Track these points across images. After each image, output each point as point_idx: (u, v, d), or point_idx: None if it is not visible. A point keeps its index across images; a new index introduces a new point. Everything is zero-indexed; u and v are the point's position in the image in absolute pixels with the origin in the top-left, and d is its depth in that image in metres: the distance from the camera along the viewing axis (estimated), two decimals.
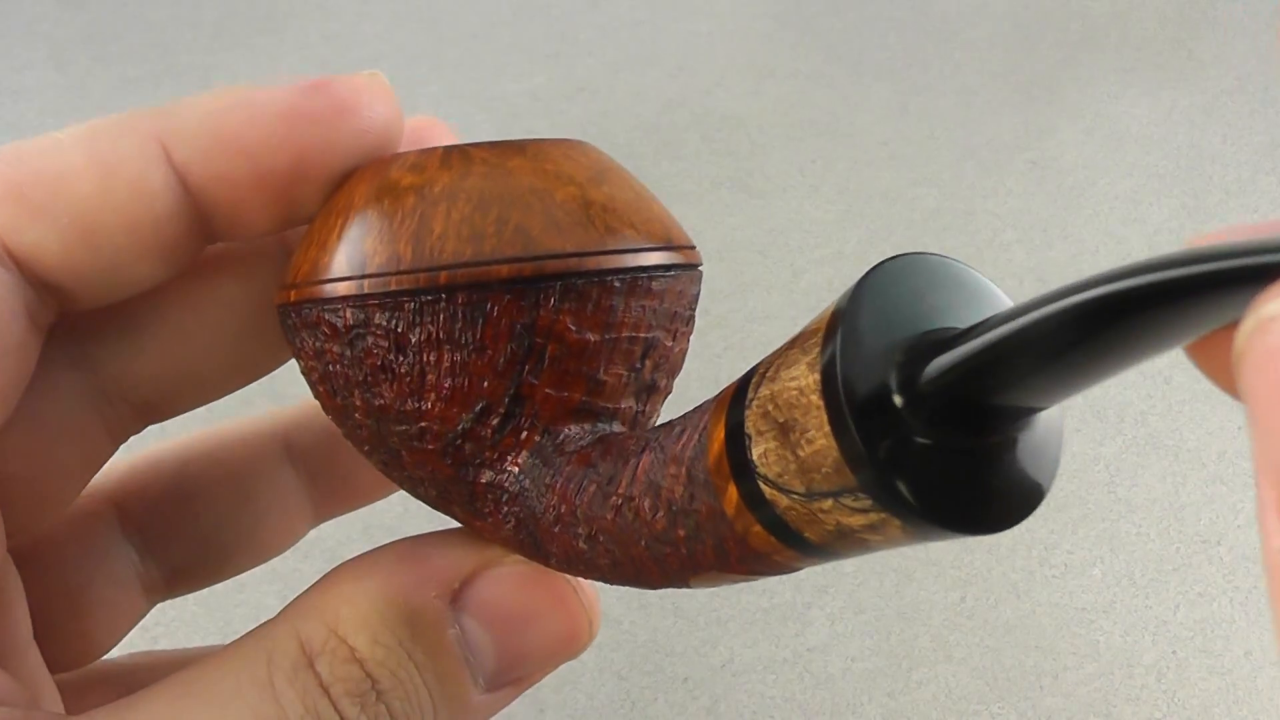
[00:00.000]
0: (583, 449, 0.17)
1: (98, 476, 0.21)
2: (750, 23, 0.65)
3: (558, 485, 0.17)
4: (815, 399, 0.13)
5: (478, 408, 0.17)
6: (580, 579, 0.18)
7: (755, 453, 0.14)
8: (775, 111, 0.59)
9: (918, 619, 0.41)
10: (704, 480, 0.15)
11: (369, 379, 0.17)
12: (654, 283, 0.17)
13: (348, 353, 0.17)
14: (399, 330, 0.17)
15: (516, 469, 0.17)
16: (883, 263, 0.14)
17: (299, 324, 0.18)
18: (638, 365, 0.18)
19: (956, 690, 0.40)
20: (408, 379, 0.17)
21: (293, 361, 0.19)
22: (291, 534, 0.24)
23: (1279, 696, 0.40)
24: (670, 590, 0.18)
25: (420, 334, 0.17)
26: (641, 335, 0.18)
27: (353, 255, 0.17)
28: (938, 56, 0.62)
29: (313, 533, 0.43)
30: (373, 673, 0.17)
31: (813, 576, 0.42)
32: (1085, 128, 0.57)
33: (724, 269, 0.51)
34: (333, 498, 0.24)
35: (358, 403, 0.17)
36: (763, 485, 0.14)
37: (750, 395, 0.14)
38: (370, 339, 0.17)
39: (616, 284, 0.17)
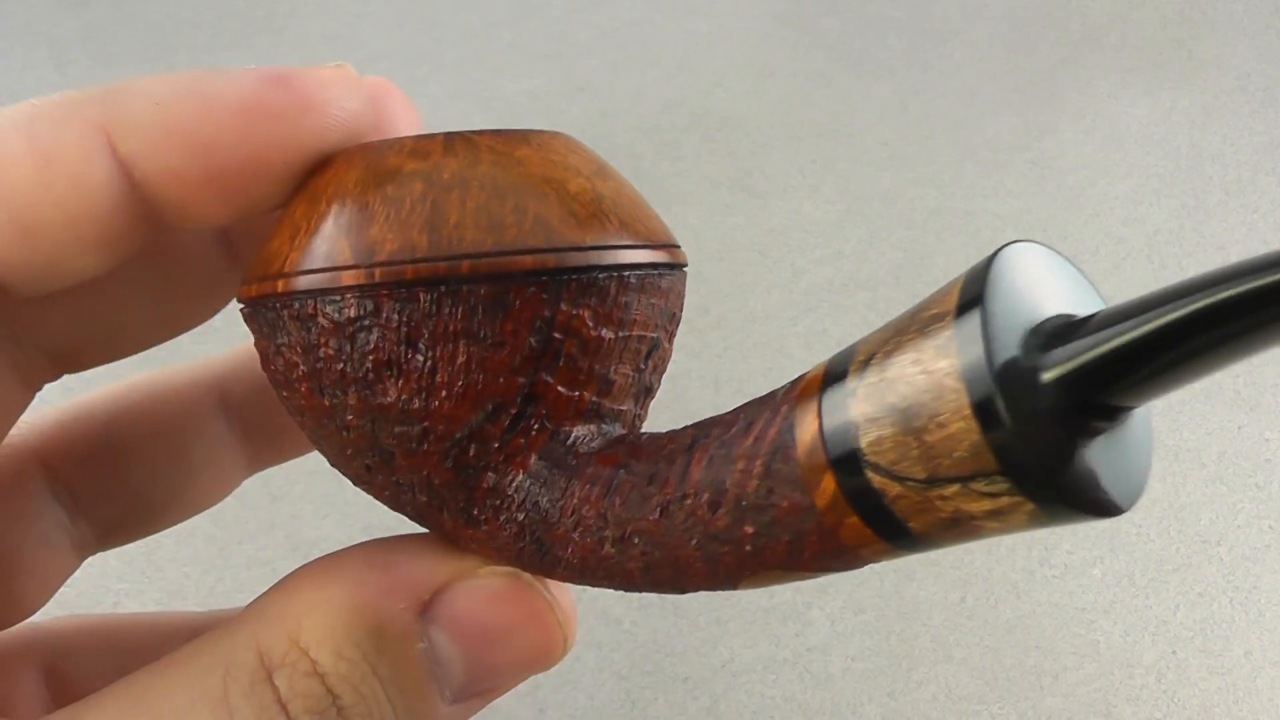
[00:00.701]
0: (604, 451, 0.17)
1: (24, 434, 0.20)
2: (750, 23, 0.65)
3: (577, 488, 0.16)
4: (953, 383, 0.13)
5: (489, 407, 0.16)
6: (559, 593, 0.18)
7: (865, 441, 0.14)
8: (775, 111, 0.59)
9: (918, 619, 0.41)
10: (789, 474, 0.15)
11: (370, 376, 0.16)
12: (662, 280, 0.17)
13: (347, 347, 0.16)
14: (411, 323, 0.16)
15: (522, 472, 0.16)
16: (1004, 247, 0.14)
17: (285, 317, 0.16)
18: (642, 366, 0.17)
19: (956, 690, 0.40)
20: (416, 376, 0.16)
21: (219, 324, 0.18)
22: (226, 486, 0.23)
23: (1279, 696, 0.40)
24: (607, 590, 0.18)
25: (435, 327, 0.16)
26: (649, 335, 0.17)
27: (357, 243, 0.16)
28: (938, 56, 0.62)
29: (313, 532, 0.43)
30: (334, 688, 0.16)
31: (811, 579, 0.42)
32: (1085, 128, 0.57)
33: (724, 269, 0.51)
34: (269, 448, 0.23)
35: (352, 402, 0.16)
36: (871, 474, 0.14)
37: (855, 385, 0.14)
38: (377, 332, 0.16)
39: (632, 280, 0.17)
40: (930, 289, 0.15)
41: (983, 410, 0.13)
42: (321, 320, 0.16)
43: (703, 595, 0.41)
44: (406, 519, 0.18)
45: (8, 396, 0.18)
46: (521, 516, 0.17)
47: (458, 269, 0.16)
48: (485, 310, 0.16)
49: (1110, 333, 0.13)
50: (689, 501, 0.15)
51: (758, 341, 0.49)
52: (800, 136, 0.57)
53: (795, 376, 0.16)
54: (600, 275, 0.16)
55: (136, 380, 0.21)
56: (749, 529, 0.15)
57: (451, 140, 0.16)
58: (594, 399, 0.17)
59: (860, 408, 0.14)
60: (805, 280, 0.50)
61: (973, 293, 0.13)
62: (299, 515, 0.43)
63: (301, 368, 0.16)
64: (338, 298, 0.16)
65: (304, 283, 0.16)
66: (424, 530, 0.18)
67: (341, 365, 0.16)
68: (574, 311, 0.16)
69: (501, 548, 0.17)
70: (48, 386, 0.19)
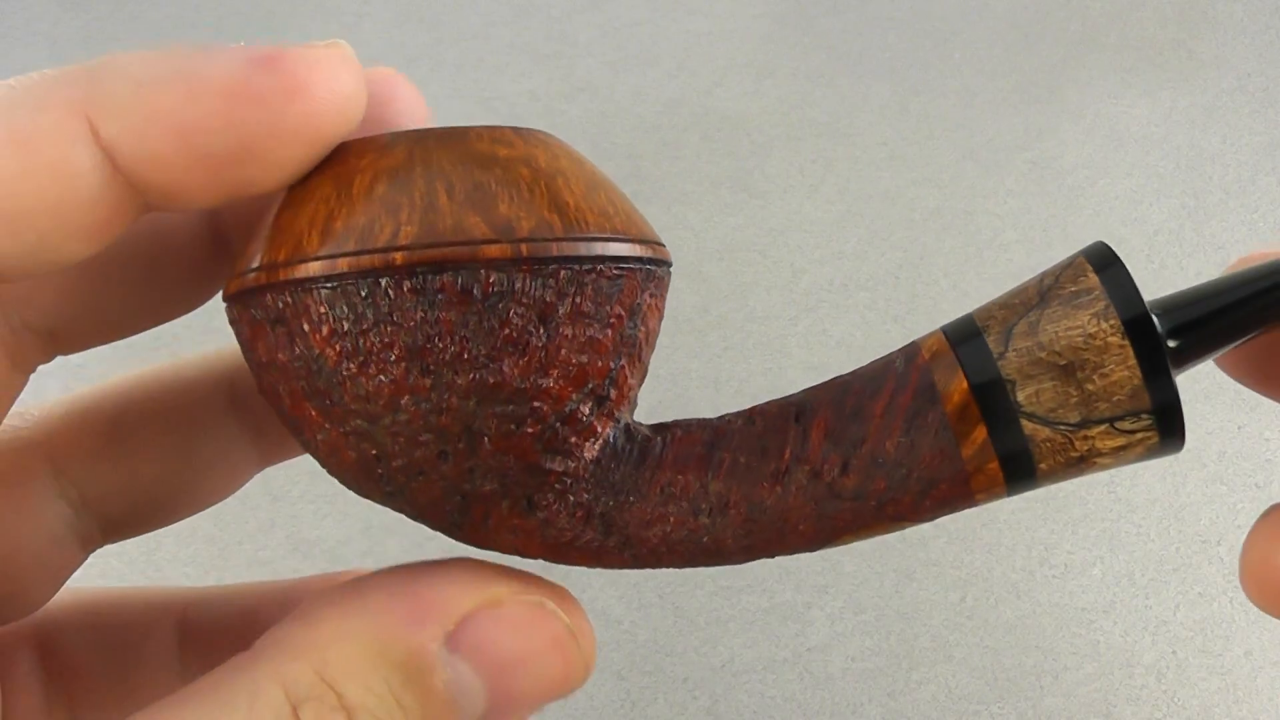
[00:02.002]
0: (681, 433, 0.18)
1: (30, 428, 0.19)
2: (750, 22, 0.65)
3: (667, 465, 0.17)
4: (1116, 340, 0.17)
5: (588, 387, 0.16)
6: (579, 620, 0.18)
7: (1022, 394, 0.17)
8: (775, 111, 0.59)
9: (918, 619, 0.41)
10: (938, 427, 0.17)
11: (494, 353, 0.16)
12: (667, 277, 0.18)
13: (474, 322, 0.16)
14: (547, 300, 0.16)
15: (592, 455, 0.17)
16: (1099, 244, 0.18)
17: (390, 292, 0.16)
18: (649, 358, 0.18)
19: (956, 690, 0.40)
20: (541, 353, 0.16)
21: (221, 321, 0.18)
22: (236, 482, 0.22)
23: (1279, 696, 0.40)
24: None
25: (567, 305, 0.16)
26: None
27: (492, 219, 0.16)
28: (938, 56, 0.62)
29: (313, 532, 0.43)
30: None
31: (813, 576, 0.42)
32: (1085, 128, 0.57)
33: (724, 269, 0.51)
34: (279, 444, 0.22)
35: (461, 381, 0.16)
36: (1025, 422, 0.17)
37: (1000, 349, 0.17)
38: (514, 308, 0.16)
39: (668, 276, 0.18)
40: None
41: (1146, 359, 0.17)
42: (449, 294, 0.16)
43: (702, 595, 0.41)
44: (407, 519, 0.18)
45: (1, 378, 0.18)
46: (588, 497, 0.17)
47: (592, 250, 0.16)
48: (605, 292, 0.16)
49: (1213, 301, 0.18)
50: (812, 465, 0.17)
51: (758, 341, 0.49)
52: (800, 136, 0.57)
53: (904, 345, 0.18)
54: (659, 269, 0.17)
55: (144, 373, 0.21)
56: (881, 484, 0.17)
57: (518, 133, 0.17)
58: (638, 387, 0.18)
59: (1015, 366, 0.17)
60: (805, 280, 0.50)
61: (1115, 274, 0.17)
62: (299, 515, 0.43)
63: (401, 346, 0.16)
64: (478, 270, 0.16)
65: (438, 254, 0.16)
66: (431, 532, 0.18)
67: (463, 342, 0.16)
68: (650, 301, 0.17)
69: (555, 535, 0.17)
70: (54, 378, 0.19)
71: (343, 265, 0.16)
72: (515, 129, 0.17)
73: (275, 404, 0.17)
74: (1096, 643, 0.41)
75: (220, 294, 0.18)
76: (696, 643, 0.40)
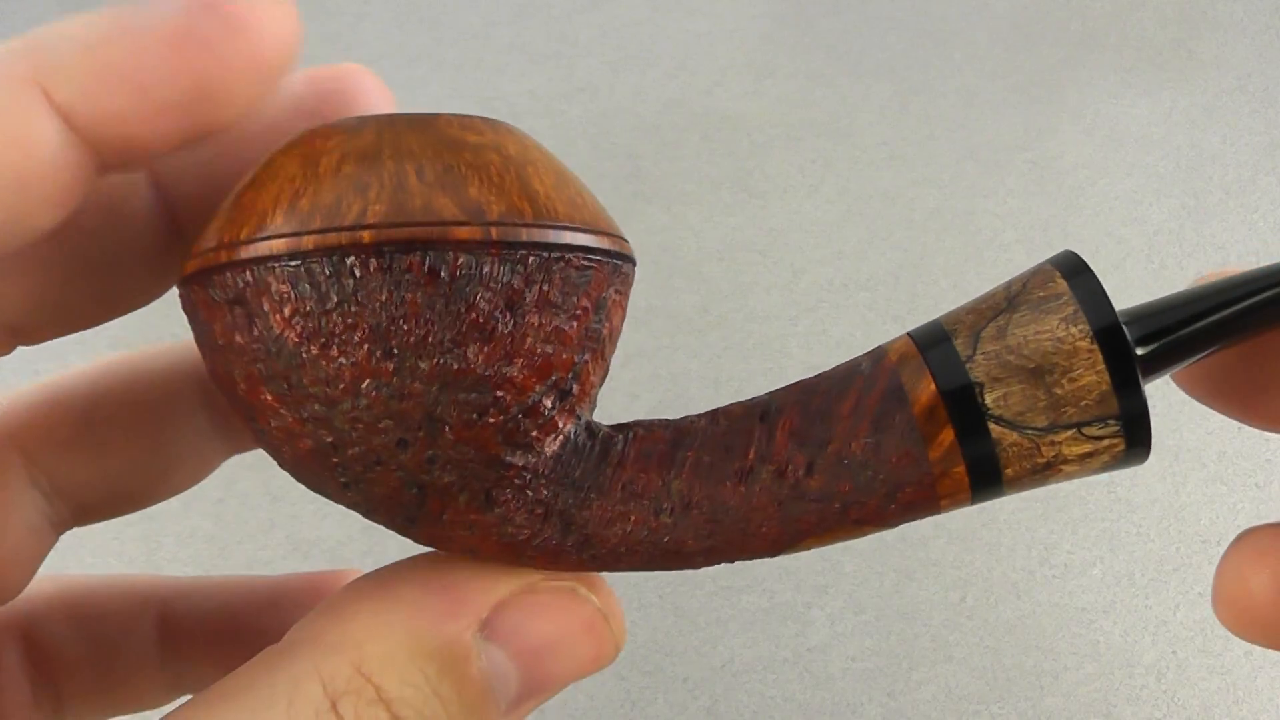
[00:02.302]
0: (643, 431, 0.17)
1: (0, 422, 0.19)
2: (750, 23, 0.65)
3: (629, 463, 0.17)
4: (1085, 344, 0.17)
5: (551, 379, 0.16)
6: (608, 600, 0.18)
7: (990, 397, 0.17)
8: (775, 111, 0.59)
9: (918, 619, 0.41)
10: (903, 429, 0.17)
11: (459, 339, 0.16)
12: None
13: (440, 305, 0.15)
14: (514, 286, 0.16)
15: (556, 450, 0.17)
16: (1066, 252, 0.18)
17: (355, 270, 0.15)
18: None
19: (956, 690, 0.40)
20: (507, 341, 0.16)
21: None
22: (205, 469, 0.22)
23: (1279, 696, 0.40)
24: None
25: (534, 293, 0.16)
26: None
27: (462, 201, 0.16)
28: (938, 56, 0.62)
29: (313, 532, 0.43)
30: (399, 714, 0.16)
31: (813, 576, 0.42)
32: (1085, 128, 0.57)
33: (724, 269, 0.51)
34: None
35: (424, 366, 0.16)
36: (993, 425, 0.17)
37: (969, 352, 0.17)
38: (482, 292, 0.16)
39: (632, 274, 0.18)
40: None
41: (1115, 365, 0.17)
42: (416, 274, 0.15)
43: (702, 595, 0.41)
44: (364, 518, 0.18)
45: None
46: (547, 494, 0.17)
47: (561, 239, 0.16)
48: (573, 283, 0.16)
49: (1181, 311, 0.18)
50: (777, 465, 0.17)
51: (758, 341, 0.49)
52: (800, 136, 0.57)
53: (869, 350, 0.18)
54: (627, 266, 0.17)
55: (114, 361, 0.21)
56: (846, 486, 0.17)
57: (486, 123, 0.17)
58: (599, 384, 0.17)
59: (983, 369, 0.17)
60: (805, 280, 0.50)
61: (1085, 281, 0.17)
62: (299, 515, 0.43)
63: (365, 328, 0.16)
64: (446, 252, 0.15)
65: (404, 233, 0.15)
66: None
67: (429, 325, 0.16)
68: (616, 296, 0.17)
69: (512, 533, 0.17)
70: (20, 367, 0.19)
71: (308, 243, 0.15)
72: (484, 119, 0.17)
73: (229, 389, 0.17)
74: (1096, 643, 0.41)
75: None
76: (696, 643, 0.40)
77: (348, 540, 0.43)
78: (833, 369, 0.18)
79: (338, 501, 0.17)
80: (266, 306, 0.16)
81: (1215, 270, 0.19)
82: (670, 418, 0.18)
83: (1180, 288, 0.18)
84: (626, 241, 0.17)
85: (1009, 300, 0.17)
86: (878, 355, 0.18)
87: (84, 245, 0.18)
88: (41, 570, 0.21)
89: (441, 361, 0.16)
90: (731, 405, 0.18)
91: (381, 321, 0.15)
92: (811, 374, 0.18)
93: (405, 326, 0.15)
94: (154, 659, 0.23)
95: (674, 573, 0.37)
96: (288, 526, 0.43)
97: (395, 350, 0.16)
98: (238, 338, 0.16)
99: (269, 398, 0.16)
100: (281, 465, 0.17)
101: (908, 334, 0.18)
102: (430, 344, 0.16)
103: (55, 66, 0.16)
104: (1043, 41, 0.63)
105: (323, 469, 0.17)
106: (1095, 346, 0.17)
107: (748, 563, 0.30)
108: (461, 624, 0.16)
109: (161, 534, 0.43)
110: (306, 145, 0.16)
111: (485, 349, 0.16)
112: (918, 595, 0.41)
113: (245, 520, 0.43)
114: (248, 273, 0.16)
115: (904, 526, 0.23)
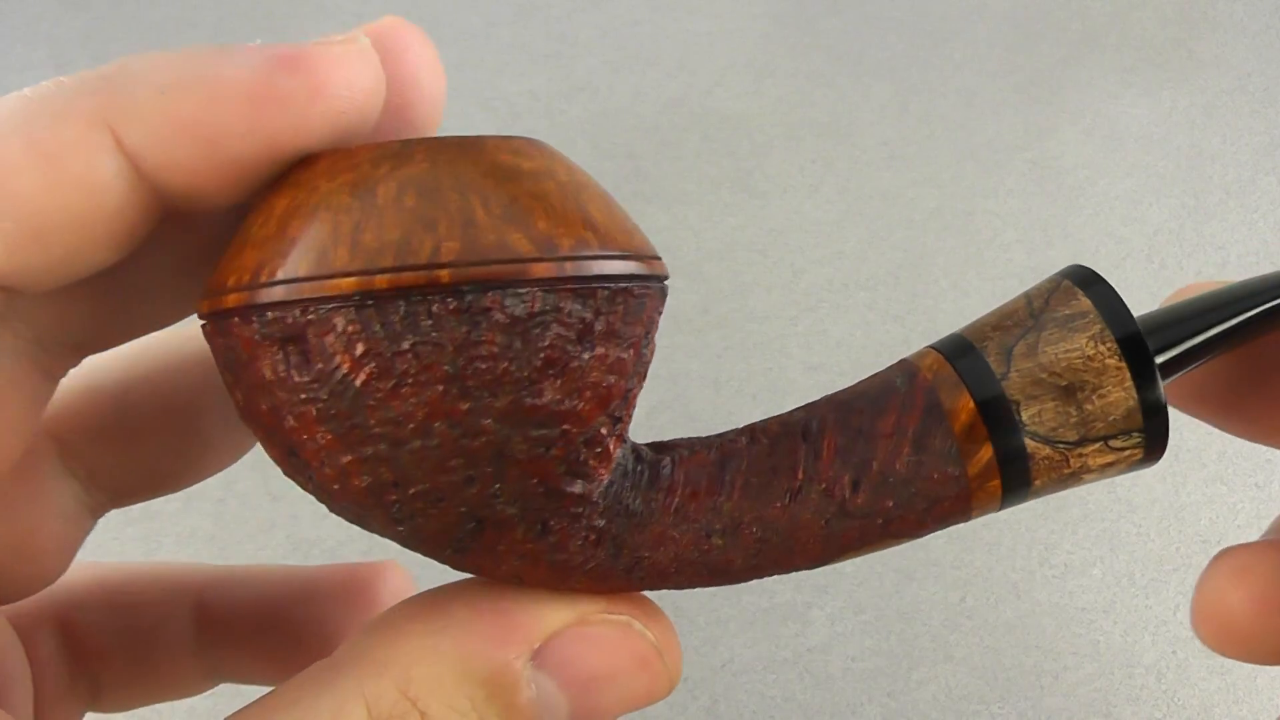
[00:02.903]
0: (687, 453, 0.17)
1: None
2: (750, 23, 0.65)
3: (679, 487, 0.17)
4: (1114, 362, 0.18)
5: (610, 408, 0.16)
6: (665, 636, 0.18)
7: (1026, 414, 0.18)
8: (775, 111, 0.59)
9: (918, 619, 0.41)
10: (943, 448, 0.17)
11: (534, 375, 0.15)
12: None
13: (517, 345, 0.15)
14: (586, 319, 0.15)
15: (608, 477, 0.17)
16: (1078, 267, 0.19)
17: (449, 310, 0.15)
18: None
19: (956, 690, 0.40)
20: (577, 375, 0.16)
21: None
22: (240, 451, 0.22)
23: (1279, 696, 0.40)
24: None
25: (603, 325, 0.16)
26: None
27: (533, 235, 0.15)
28: (938, 56, 0.62)
29: (313, 532, 0.43)
30: None
31: (813, 576, 0.42)
32: (1085, 128, 0.57)
33: (724, 269, 0.51)
34: None
35: (500, 404, 0.15)
36: (1028, 440, 0.18)
37: (1003, 370, 0.18)
38: (556, 329, 0.15)
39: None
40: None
41: (1142, 381, 0.18)
42: (497, 315, 0.15)
43: (703, 594, 0.41)
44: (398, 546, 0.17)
45: (34, 392, 0.18)
46: (602, 523, 0.17)
47: (626, 269, 0.16)
48: (633, 311, 0.16)
49: (1197, 324, 0.19)
50: (823, 484, 0.17)
51: (758, 341, 0.49)
52: (800, 136, 0.57)
53: (897, 362, 0.19)
54: (665, 285, 0.17)
55: (147, 346, 0.20)
56: (889, 503, 0.18)
57: (531, 142, 0.17)
58: (633, 410, 0.17)
59: (1018, 385, 0.18)
60: (805, 280, 0.50)
61: (1106, 297, 0.18)
62: (299, 515, 0.43)
63: (440, 368, 0.15)
64: (524, 291, 0.15)
65: (474, 274, 0.15)
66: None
67: (505, 363, 0.15)
68: (658, 319, 0.17)
69: (563, 559, 0.17)
70: None
71: (380, 282, 0.15)
72: (526, 140, 0.17)
73: (268, 427, 0.16)
74: (1096, 643, 0.41)
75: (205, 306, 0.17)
76: (696, 643, 0.40)
77: (348, 540, 0.43)
78: (864, 382, 0.18)
79: (379, 533, 0.17)
80: (331, 346, 0.15)
81: (1195, 284, 0.21)
82: (700, 435, 0.18)
83: (1181, 287, 0.19)
84: (661, 260, 0.17)
85: (1033, 316, 0.18)
86: (910, 371, 0.18)
87: (154, 257, 0.18)
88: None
89: (516, 399, 0.15)
90: (767, 422, 0.18)
91: (458, 362, 0.15)
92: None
93: (482, 366, 0.15)
94: (190, 647, 0.23)
95: None
96: (288, 526, 0.43)
97: (471, 390, 0.15)
98: (294, 376, 0.15)
99: (326, 437, 0.15)
100: (325, 500, 0.17)
101: (934, 348, 0.18)
102: (505, 382, 0.15)
103: (127, 108, 0.15)
104: (1043, 41, 0.63)
105: (375, 506, 0.16)
106: (1123, 364, 0.17)
107: None
108: (512, 651, 0.16)
109: (161, 534, 0.43)
110: (350, 170, 0.16)
111: (558, 384, 0.15)
112: (918, 595, 0.41)
113: (245, 520, 0.43)
114: (310, 311, 0.15)
115: None
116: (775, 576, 0.19)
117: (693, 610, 0.41)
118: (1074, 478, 0.18)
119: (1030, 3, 0.66)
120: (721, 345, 0.49)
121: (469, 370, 0.15)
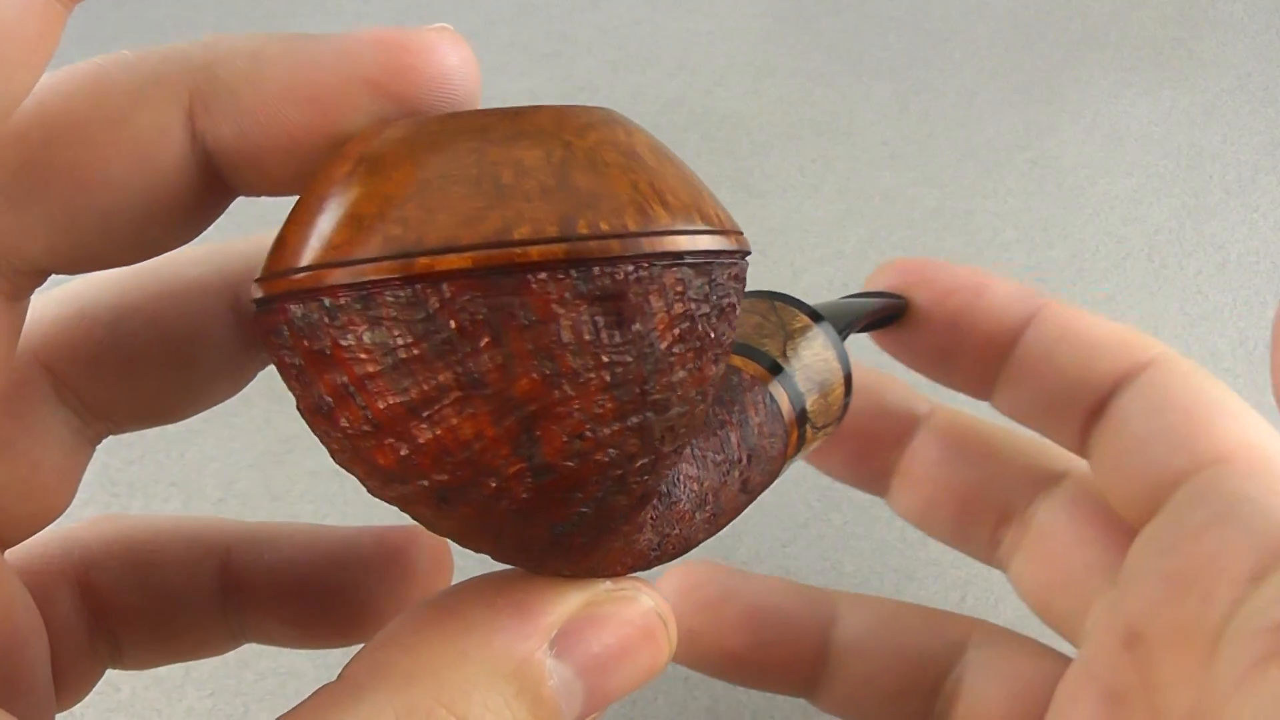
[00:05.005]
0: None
1: (23, 339, 0.18)
2: (750, 22, 0.65)
3: (695, 472, 0.18)
4: (837, 365, 0.24)
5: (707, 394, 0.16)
6: (663, 602, 0.18)
7: (809, 404, 0.22)
8: (775, 111, 0.59)
9: None
10: (781, 433, 0.21)
11: (701, 351, 0.15)
12: None
13: (694, 327, 0.15)
14: (730, 302, 0.15)
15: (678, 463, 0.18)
16: (774, 293, 0.24)
17: (726, 278, 0.15)
18: None
19: None
20: (715, 350, 0.15)
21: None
22: (240, 383, 0.21)
23: None
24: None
25: (732, 300, 0.16)
26: None
27: (689, 215, 0.15)
28: (938, 56, 0.62)
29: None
30: None
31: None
32: (1085, 128, 0.57)
33: None
34: None
35: (712, 372, 0.15)
36: (808, 427, 0.23)
37: (788, 369, 0.22)
38: (728, 299, 0.15)
39: None
40: None
41: (848, 380, 0.24)
42: (726, 281, 0.15)
43: None
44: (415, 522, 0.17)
45: (4, 323, 0.17)
46: (656, 508, 0.17)
47: (743, 245, 0.16)
48: (739, 288, 0.17)
49: (853, 316, 0.25)
50: (739, 465, 0.20)
51: None
52: (800, 136, 0.57)
53: (729, 369, 0.22)
54: None
55: (141, 271, 0.20)
56: (757, 476, 0.21)
57: (607, 115, 0.16)
58: None
59: (801, 384, 0.22)
60: (805, 280, 0.50)
61: (811, 313, 0.24)
62: (299, 515, 0.43)
63: (705, 334, 0.15)
64: (732, 263, 0.15)
65: (697, 243, 0.14)
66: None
67: (703, 329, 0.15)
68: None
69: (629, 545, 0.17)
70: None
71: (606, 250, 0.14)
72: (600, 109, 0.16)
73: (521, 397, 0.14)
74: None
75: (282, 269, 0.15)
76: None
77: None
78: (725, 382, 0.21)
79: (467, 533, 0.16)
80: (655, 306, 0.14)
81: (900, 259, 0.27)
82: None
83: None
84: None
85: (778, 327, 0.23)
86: (740, 372, 0.21)
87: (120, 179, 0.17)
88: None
89: (696, 367, 0.15)
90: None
91: (707, 326, 0.15)
92: None
93: (712, 333, 0.15)
94: (215, 607, 0.22)
95: None
96: None
97: (711, 356, 0.15)
98: (604, 338, 0.14)
99: (606, 404, 0.14)
100: (526, 478, 0.15)
101: (745, 356, 0.22)
102: (708, 347, 0.15)
103: (212, 94, 0.15)
104: (1043, 41, 0.63)
105: (600, 481, 0.15)
106: (839, 366, 0.23)
107: (750, 561, 0.31)
108: (534, 643, 0.16)
109: None
110: (471, 138, 0.15)
111: (710, 358, 0.15)
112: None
113: (245, 519, 0.43)
114: (642, 267, 0.14)
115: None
116: (784, 571, 0.20)
117: None
118: (798, 456, 0.23)
119: (1030, 3, 0.66)
120: None
121: (709, 337, 0.15)
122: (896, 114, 0.58)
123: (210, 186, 0.16)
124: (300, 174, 0.16)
